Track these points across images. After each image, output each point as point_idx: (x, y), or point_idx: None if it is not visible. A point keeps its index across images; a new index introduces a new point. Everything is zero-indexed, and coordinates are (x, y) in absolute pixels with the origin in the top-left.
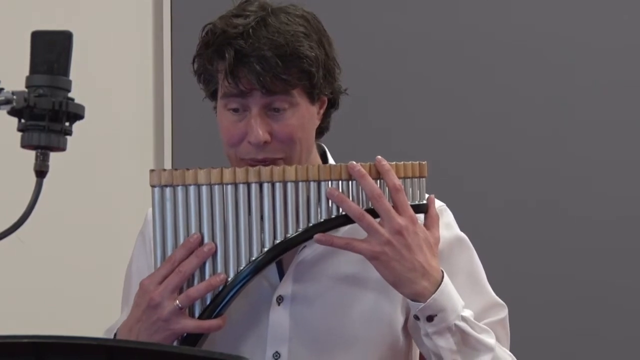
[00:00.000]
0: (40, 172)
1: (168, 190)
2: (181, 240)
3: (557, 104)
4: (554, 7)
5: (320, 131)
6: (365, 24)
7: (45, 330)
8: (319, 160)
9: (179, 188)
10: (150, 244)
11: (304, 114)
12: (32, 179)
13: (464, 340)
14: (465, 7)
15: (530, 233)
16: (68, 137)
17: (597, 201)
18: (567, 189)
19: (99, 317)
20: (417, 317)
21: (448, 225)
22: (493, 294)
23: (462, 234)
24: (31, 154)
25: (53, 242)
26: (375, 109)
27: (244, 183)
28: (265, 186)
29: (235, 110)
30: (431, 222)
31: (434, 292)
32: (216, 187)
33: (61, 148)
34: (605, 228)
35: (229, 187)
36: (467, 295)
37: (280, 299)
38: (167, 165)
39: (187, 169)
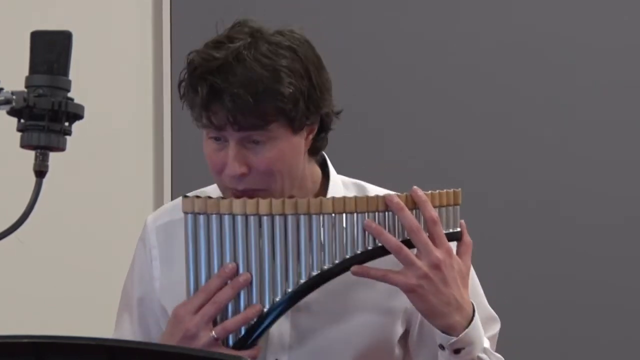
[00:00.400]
0: (40, 172)
1: (202, 218)
2: (215, 268)
3: (557, 105)
4: (553, 8)
5: (315, 150)
6: (363, 25)
7: (45, 330)
8: (317, 172)
9: (214, 217)
10: (151, 252)
11: (283, 147)
12: (32, 179)
13: None
14: (462, 7)
15: (530, 235)
16: (67, 137)
17: (597, 203)
18: (566, 191)
19: (99, 317)
20: (442, 347)
21: None
22: (488, 306)
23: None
24: (31, 154)
25: (52, 242)
26: (374, 110)
27: (280, 215)
28: (302, 218)
29: (217, 138)
30: (465, 250)
31: (466, 327)
32: (252, 217)
33: (61, 148)
34: (604, 230)
35: (265, 218)
36: None
37: None
38: (167, 165)
39: (222, 198)
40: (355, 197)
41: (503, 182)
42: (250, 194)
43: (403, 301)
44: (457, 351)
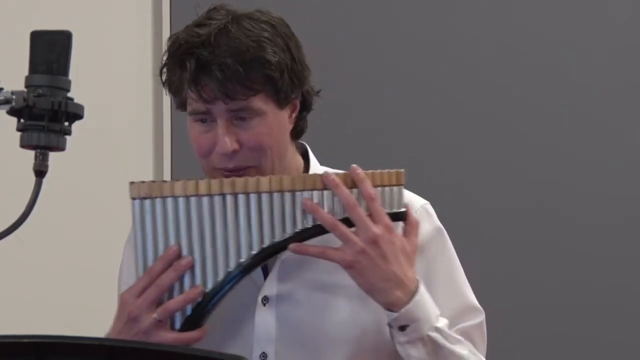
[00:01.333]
0: (40, 172)
1: (147, 203)
2: (161, 252)
3: (553, 107)
4: (551, 10)
5: (297, 133)
6: (361, 25)
7: (45, 330)
8: (299, 161)
9: (157, 200)
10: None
11: (271, 121)
12: (32, 178)
13: (436, 351)
14: (459, 8)
15: (528, 235)
16: (67, 137)
17: (596, 203)
18: (565, 192)
19: (99, 317)
20: (390, 325)
21: (430, 217)
22: (471, 297)
23: (441, 226)
24: (30, 154)
25: (52, 242)
26: (372, 110)
27: (219, 194)
28: (240, 197)
29: (203, 121)
30: (410, 229)
31: (407, 303)
32: (192, 198)
33: (60, 148)
34: (604, 230)
35: (205, 198)
36: (445, 298)
37: (265, 300)
38: (167, 165)
39: (165, 181)
40: (293, 176)
41: (502, 183)
42: (241, 171)
43: None
44: (402, 328)
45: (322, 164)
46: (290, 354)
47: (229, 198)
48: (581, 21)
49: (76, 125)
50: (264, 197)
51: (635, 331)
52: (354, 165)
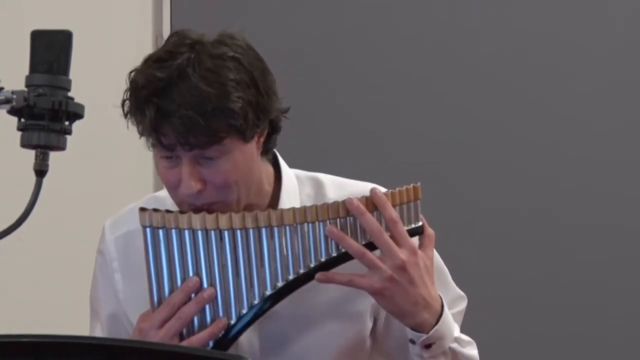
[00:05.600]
0: (40, 172)
1: (161, 232)
2: (178, 282)
3: (552, 106)
4: (549, 10)
5: (266, 151)
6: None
7: (45, 330)
8: (269, 171)
9: (173, 231)
10: (111, 265)
11: (237, 157)
12: (32, 178)
13: (455, 358)
14: (458, 8)
15: (527, 236)
16: (68, 137)
17: (595, 204)
18: (565, 192)
19: None
20: (412, 342)
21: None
22: (455, 286)
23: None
24: (31, 154)
25: (52, 241)
26: (369, 112)
27: (241, 229)
28: (264, 231)
29: (168, 157)
30: (427, 243)
31: (435, 324)
32: (212, 232)
33: (61, 147)
34: (603, 230)
35: (226, 232)
36: (438, 290)
37: None
38: None
39: (181, 212)
40: (316, 206)
41: (502, 182)
42: (207, 207)
43: (370, 297)
44: (427, 346)
45: (318, 166)
46: None
47: (251, 232)
48: (581, 21)
49: (76, 125)
50: (288, 229)
51: (634, 331)
52: (374, 189)
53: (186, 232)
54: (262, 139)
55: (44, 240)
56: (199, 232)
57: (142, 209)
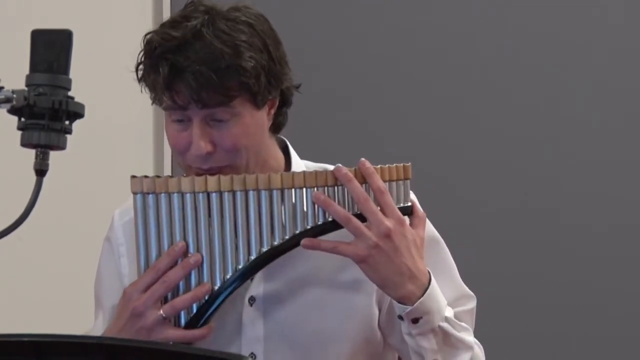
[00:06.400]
0: (40, 171)
1: (151, 197)
2: (165, 247)
3: (551, 106)
4: (549, 10)
5: (276, 127)
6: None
7: (46, 330)
8: (280, 156)
9: (162, 195)
10: (118, 250)
11: (247, 122)
12: (32, 177)
13: (446, 340)
14: (459, 8)
15: (527, 236)
16: (68, 136)
17: (595, 204)
18: (561, 194)
19: None
20: (401, 318)
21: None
22: (462, 283)
23: (437, 234)
24: (31, 153)
25: (53, 241)
26: (370, 112)
27: (229, 191)
28: (251, 194)
29: (179, 120)
30: (418, 222)
31: (420, 296)
32: (200, 195)
33: (61, 147)
34: (603, 231)
35: (214, 195)
36: (442, 285)
37: (252, 300)
38: (167, 164)
39: (170, 176)
40: (304, 172)
41: (501, 182)
42: (215, 171)
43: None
44: (415, 320)
45: (318, 160)
46: (279, 353)
47: (239, 195)
48: (580, 21)
49: (77, 124)
50: (275, 193)
51: (634, 331)
52: (363, 160)
53: (175, 196)
54: (272, 110)
55: (44, 240)
56: (187, 196)
57: (134, 177)
